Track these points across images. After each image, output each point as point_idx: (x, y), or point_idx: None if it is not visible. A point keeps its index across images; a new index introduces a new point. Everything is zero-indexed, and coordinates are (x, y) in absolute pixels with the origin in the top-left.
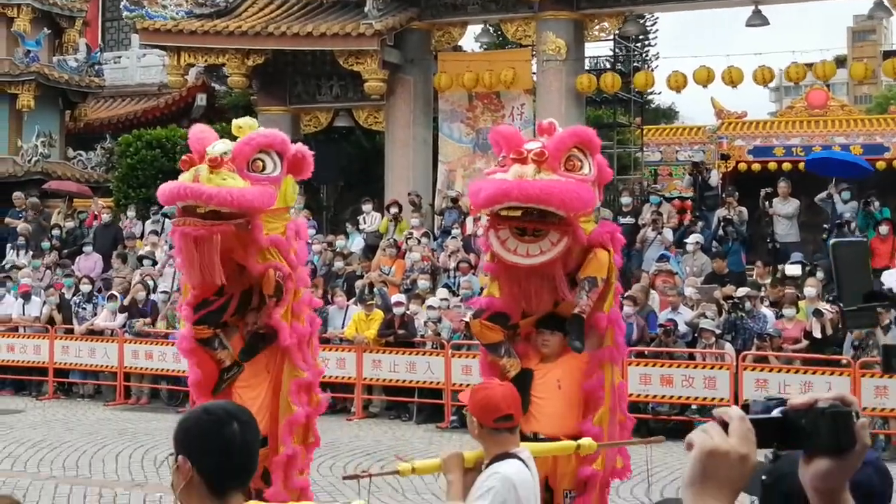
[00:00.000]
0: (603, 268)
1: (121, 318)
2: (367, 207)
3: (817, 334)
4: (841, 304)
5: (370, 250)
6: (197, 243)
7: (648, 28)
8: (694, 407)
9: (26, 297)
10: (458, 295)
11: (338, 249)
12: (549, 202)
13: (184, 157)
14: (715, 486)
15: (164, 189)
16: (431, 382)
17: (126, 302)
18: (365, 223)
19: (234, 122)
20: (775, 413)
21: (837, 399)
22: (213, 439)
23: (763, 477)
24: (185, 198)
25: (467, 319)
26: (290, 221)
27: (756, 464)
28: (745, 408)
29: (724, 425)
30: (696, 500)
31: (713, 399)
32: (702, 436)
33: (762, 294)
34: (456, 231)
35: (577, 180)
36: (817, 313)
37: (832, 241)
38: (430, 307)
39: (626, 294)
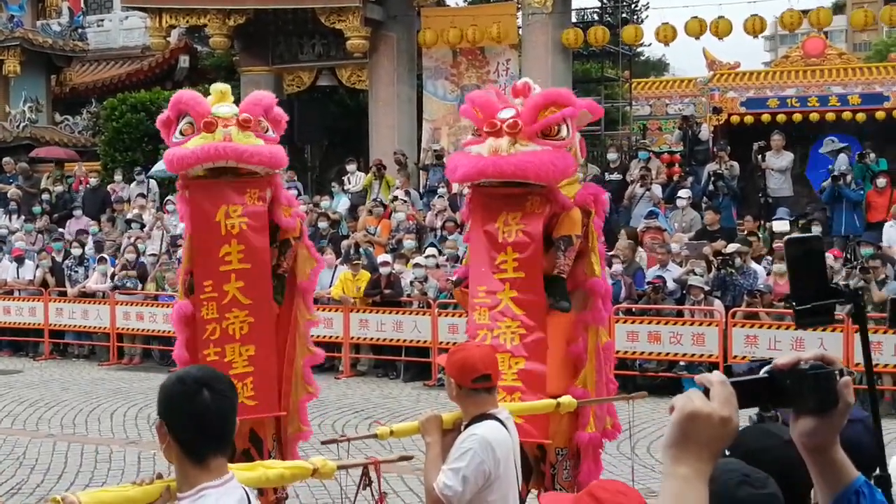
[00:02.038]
0: (576, 225)
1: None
2: (351, 167)
3: None
4: (793, 303)
5: (356, 210)
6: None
7: None
8: (682, 364)
9: (20, 260)
10: (444, 254)
11: (323, 210)
12: (525, 177)
13: (207, 120)
14: (695, 448)
15: (192, 152)
16: (418, 341)
17: (117, 265)
18: (349, 183)
19: (213, 86)
20: (762, 373)
21: (818, 358)
22: (185, 409)
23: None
24: (223, 157)
25: (450, 285)
26: None
27: (737, 426)
28: (729, 369)
29: (707, 391)
30: (676, 461)
31: (701, 356)
32: (683, 399)
33: (752, 249)
34: (442, 190)
35: (555, 147)
36: None
37: (785, 238)
38: (416, 266)
39: (613, 252)
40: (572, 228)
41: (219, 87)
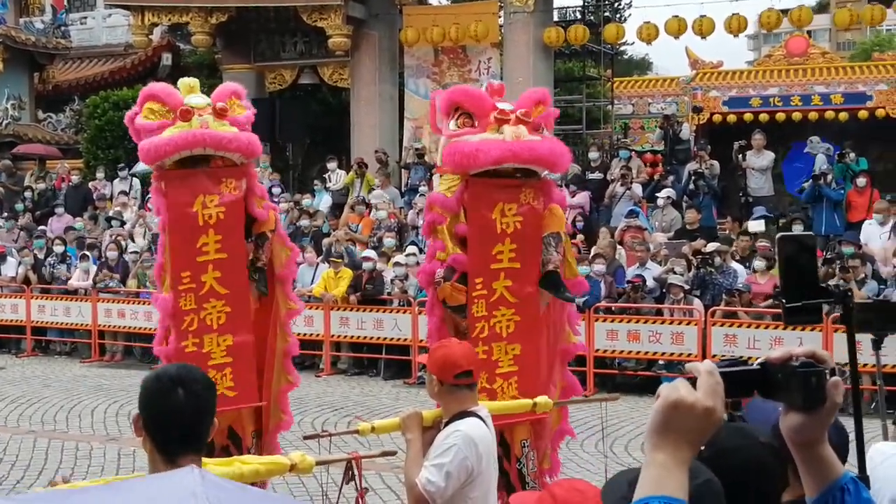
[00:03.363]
0: (561, 222)
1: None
2: (332, 165)
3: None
4: (783, 300)
5: (337, 208)
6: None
7: None
8: (661, 362)
9: (1, 257)
10: (424, 252)
11: (305, 208)
12: (555, 162)
13: (184, 108)
14: (674, 436)
15: (168, 140)
16: (399, 339)
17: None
18: (331, 181)
19: (180, 81)
20: (755, 364)
21: (810, 355)
22: (158, 406)
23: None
24: (201, 144)
25: (438, 279)
26: None
27: (721, 417)
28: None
29: (694, 381)
30: (655, 448)
31: (680, 354)
32: (668, 387)
33: (733, 249)
34: (423, 188)
35: (558, 140)
36: None
37: (779, 234)
38: (396, 264)
39: (594, 251)
40: (559, 226)
41: (186, 81)
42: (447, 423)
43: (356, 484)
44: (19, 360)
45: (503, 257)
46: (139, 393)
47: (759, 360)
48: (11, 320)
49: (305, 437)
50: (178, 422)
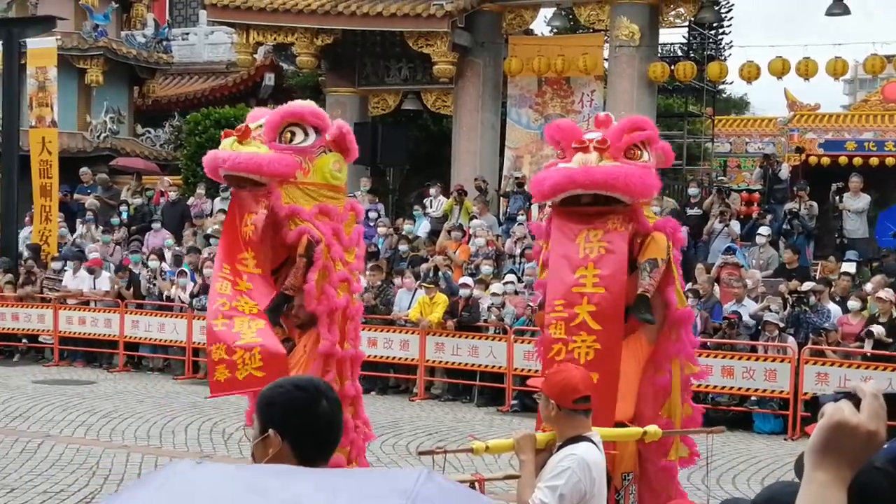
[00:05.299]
0: (662, 250)
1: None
2: (433, 191)
3: (867, 349)
4: None
5: (435, 234)
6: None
7: (724, 14)
8: (753, 398)
9: (96, 271)
10: (522, 281)
11: (404, 233)
12: (615, 187)
13: (224, 130)
14: (835, 457)
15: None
16: (493, 366)
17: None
18: (431, 207)
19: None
20: None
21: None
22: (307, 415)
23: None
24: (210, 164)
25: (535, 305)
26: (340, 201)
27: (883, 440)
28: (815, 399)
29: (858, 401)
30: (816, 467)
31: (773, 391)
32: (833, 408)
33: (832, 289)
34: (521, 217)
35: (640, 166)
36: (868, 334)
37: None
38: (493, 294)
39: (689, 287)
40: (659, 252)
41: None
42: (561, 447)
43: None
44: (111, 375)
45: (586, 282)
46: (274, 407)
47: None
48: (104, 335)
49: (421, 453)
50: (326, 432)
